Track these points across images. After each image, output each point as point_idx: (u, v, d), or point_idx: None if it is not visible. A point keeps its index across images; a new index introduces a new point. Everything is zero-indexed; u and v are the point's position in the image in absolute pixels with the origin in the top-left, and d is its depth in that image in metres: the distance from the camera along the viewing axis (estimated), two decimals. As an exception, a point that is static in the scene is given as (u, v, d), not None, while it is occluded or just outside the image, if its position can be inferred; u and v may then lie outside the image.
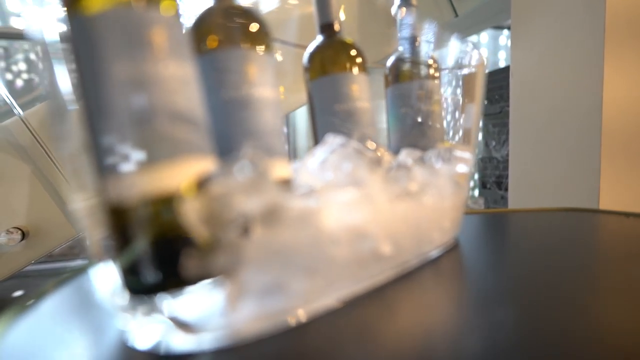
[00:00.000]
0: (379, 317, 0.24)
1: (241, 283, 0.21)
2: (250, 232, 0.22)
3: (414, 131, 0.44)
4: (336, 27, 0.40)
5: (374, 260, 0.28)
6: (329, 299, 0.25)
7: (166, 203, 0.20)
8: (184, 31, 0.22)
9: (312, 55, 0.39)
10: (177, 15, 0.21)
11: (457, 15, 1.21)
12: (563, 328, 0.21)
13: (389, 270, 0.30)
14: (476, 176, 1.61)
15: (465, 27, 1.47)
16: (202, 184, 0.20)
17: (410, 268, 0.32)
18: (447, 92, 0.45)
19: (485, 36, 3.06)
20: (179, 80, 0.21)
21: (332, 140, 0.32)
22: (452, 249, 0.39)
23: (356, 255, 0.26)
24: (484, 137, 1.57)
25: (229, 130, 0.28)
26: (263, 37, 0.29)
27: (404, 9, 0.45)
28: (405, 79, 0.44)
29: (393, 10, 0.47)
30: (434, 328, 0.22)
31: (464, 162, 0.39)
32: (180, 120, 0.21)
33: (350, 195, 0.25)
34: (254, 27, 0.29)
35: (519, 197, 1.19)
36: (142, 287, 0.21)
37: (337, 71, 0.38)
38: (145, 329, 0.21)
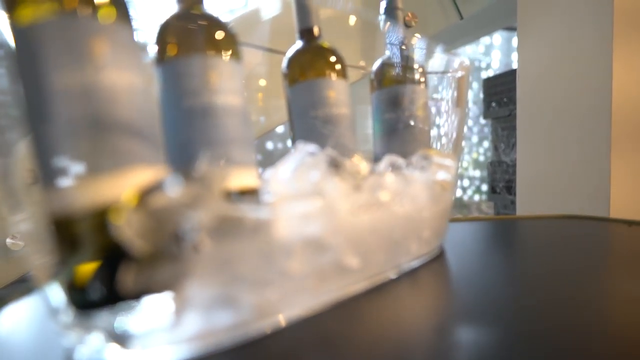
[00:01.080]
0: (340, 331, 0.23)
1: (184, 297, 0.20)
2: (194, 246, 0.21)
3: (398, 137, 0.42)
4: (315, 32, 0.39)
5: (339, 273, 0.27)
6: (288, 312, 0.25)
7: (106, 216, 0.20)
8: (130, 39, 0.22)
9: (290, 61, 0.39)
10: (120, 23, 0.21)
11: (462, 18, 1.19)
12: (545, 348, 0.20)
13: (358, 282, 0.29)
14: (486, 181, 1.57)
15: (473, 29, 1.45)
16: (142, 197, 0.20)
17: (384, 280, 0.31)
18: (433, 97, 0.44)
19: (498, 38, 3.02)
20: (122, 89, 0.21)
21: (302, 148, 0.31)
22: (435, 259, 0.38)
23: (316, 268, 0.25)
24: (492, 140, 1.53)
25: (192, 139, 0.27)
26: (226, 43, 0.29)
27: (388, 22, 0.44)
28: (389, 84, 0.43)
29: (379, 17, 0.46)
30: (399, 343, 0.21)
31: (446, 170, 0.37)
32: (122, 130, 0.20)
33: (306, 206, 0.24)
34: (215, 33, 0.28)
35: (527, 202, 1.16)
36: (86, 303, 0.21)
37: (313, 77, 0.37)
38: (91, 345, 0.21)
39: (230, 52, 0.29)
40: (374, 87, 0.45)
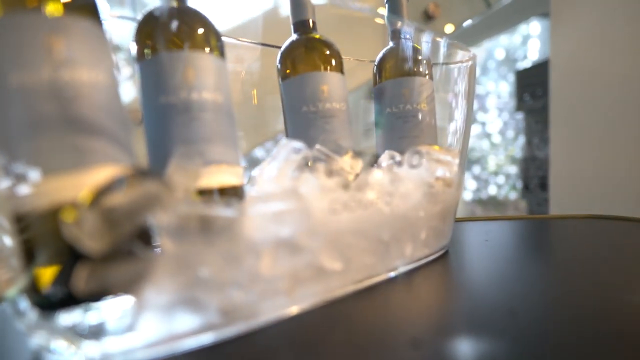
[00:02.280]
0: (314, 336, 0.22)
1: (142, 300, 0.20)
2: (154, 246, 0.21)
3: (400, 133, 0.40)
4: (310, 24, 0.38)
5: (318, 276, 0.26)
6: (260, 315, 0.24)
7: (60, 216, 0.19)
8: (93, 35, 0.21)
9: (283, 55, 0.38)
10: (80, 19, 0.20)
11: (489, 6, 1.13)
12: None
13: (343, 286, 0.28)
14: (519, 177, 1.49)
15: (504, 18, 1.37)
16: (96, 195, 0.19)
17: (372, 284, 0.30)
18: (437, 90, 0.42)
19: (536, 26, 2.87)
20: (82, 86, 0.20)
21: (286, 145, 0.30)
22: (436, 262, 0.35)
23: (289, 270, 0.24)
24: (526, 135, 1.46)
25: (170, 136, 0.27)
26: (206, 39, 0.28)
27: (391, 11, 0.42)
28: (391, 76, 0.41)
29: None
30: (374, 351, 0.20)
31: (447, 166, 0.35)
32: (82, 129, 0.20)
33: (277, 205, 0.23)
34: (194, 28, 0.27)
35: (561, 200, 1.09)
36: (49, 304, 0.21)
37: (305, 71, 0.36)
38: (55, 345, 0.21)
39: (209, 48, 0.28)
40: (375, 81, 0.43)
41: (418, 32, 0.40)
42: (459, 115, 0.40)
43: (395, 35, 0.43)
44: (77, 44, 0.20)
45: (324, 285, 0.27)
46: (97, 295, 0.19)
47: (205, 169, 0.27)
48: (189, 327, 0.21)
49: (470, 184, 2.83)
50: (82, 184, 0.20)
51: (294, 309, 0.25)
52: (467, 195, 2.68)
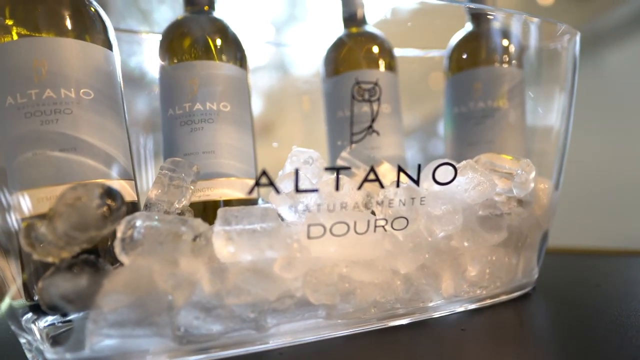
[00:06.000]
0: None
1: (93, 316, 0.20)
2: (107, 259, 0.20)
3: (469, 138, 0.32)
4: (359, 18, 0.34)
5: (303, 310, 0.22)
6: (226, 347, 0.21)
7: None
8: (85, 54, 0.23)
9: (325, 55, 0.34)
10: (65, 41, 0.22)
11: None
12: None
13: (345, 325, 0.23)
14: None
15: None
16: (50, 209, 0.20)
17: (388, 326, 0.24)
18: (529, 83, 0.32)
19: None
20: (66, 104, 0.22)
21: (296, 155, 0.27)
22: (501, 307, 0.27)
23: (259, 300, 0.21)
24: None
25: (174, 148, 0.27)
26: (217, 49, 0.27)
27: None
28: (463, 68, 0.33)
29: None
30: None
31: (520, 183, 0.26)
32: (60, 145, 0.22)
33: (241, 226, 0.20)
34: (206, 39, 0.27)
35: None
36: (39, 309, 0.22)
37: (342, 71, 0.32)
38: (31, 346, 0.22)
39: (221, 58, 0.27)
40: (446, 74, 0.35)
41: (503, 13, 0.31)
42: (555, 111, 0.29)
43: (475, 18, 0.35)
44: (65, 64, 0.22)
45: (313, 322, 0.23)
46: (54, 307, 0.20)
47: (207, 181, 0.26)
48: (144, 348, 0.20)
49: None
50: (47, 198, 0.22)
51: (268, 344, 0.22)
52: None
